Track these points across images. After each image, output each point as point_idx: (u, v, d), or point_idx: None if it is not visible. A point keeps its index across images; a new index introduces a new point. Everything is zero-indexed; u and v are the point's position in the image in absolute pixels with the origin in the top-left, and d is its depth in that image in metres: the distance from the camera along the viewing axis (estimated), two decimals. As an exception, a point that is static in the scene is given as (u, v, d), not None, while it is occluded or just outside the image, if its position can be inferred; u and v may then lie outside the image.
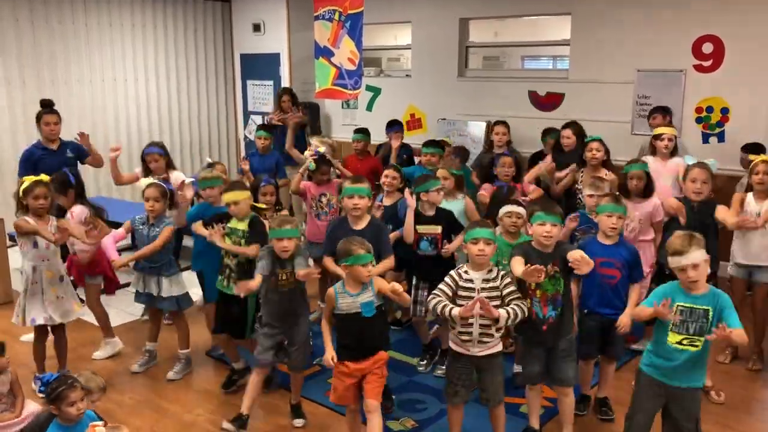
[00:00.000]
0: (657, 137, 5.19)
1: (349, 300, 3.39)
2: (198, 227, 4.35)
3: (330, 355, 3.42)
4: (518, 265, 3.36)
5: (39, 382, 3.04)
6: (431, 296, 3.45)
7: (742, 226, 4.23)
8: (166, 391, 4.42)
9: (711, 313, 3.03)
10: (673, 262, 3.05)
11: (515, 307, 3.32)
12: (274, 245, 3.71)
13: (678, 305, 3.08)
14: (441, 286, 3.45)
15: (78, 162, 5.77)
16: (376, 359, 3.45)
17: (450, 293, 3.40)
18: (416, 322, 4.61)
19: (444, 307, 3.34)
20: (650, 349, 3.22)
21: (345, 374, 3.45)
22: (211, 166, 5.27)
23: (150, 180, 4.67)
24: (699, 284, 3.05)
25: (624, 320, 3.63)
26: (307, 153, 5.41)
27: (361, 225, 4.09)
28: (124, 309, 5.61)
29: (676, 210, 4.31)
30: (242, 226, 4.15)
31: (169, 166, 5.36)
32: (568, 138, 5.74)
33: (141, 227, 4.47)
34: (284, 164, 6.42)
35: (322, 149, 5.32)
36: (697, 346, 3.06)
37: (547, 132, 6.40)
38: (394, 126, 6.82)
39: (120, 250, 6.43)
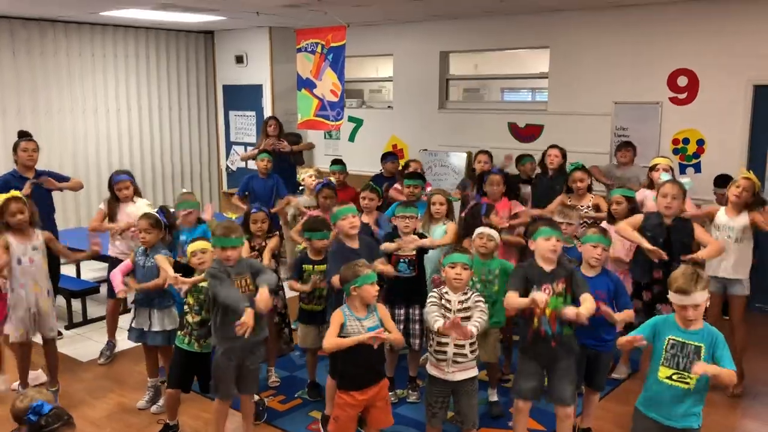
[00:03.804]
0: (652, 168, 5.27)
1: (356, 324, 3.38)
2: (163, 261, 4.18)
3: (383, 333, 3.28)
4: (514, 299, 3.43)
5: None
6: (429, 306, 3.57)
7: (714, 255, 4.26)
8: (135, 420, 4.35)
9: (703, 351, 2.94)
10: (675, 299, 2.98)
11: (478, 319, 3.48)
12: (218, 255, 3.67)
13: (670, 338, 3.02)
14: (431, 301, 3.59)
15: (53, 191, 5.74)
16: (381, 386, 3.44)
17: (440, 308, 3.56)
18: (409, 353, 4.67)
19: (435, 318, 3.47)
20: (645, 385, 3.16)
21: (350, 405, 3.42)
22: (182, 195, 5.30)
23: (144, 210, 4.68)
24: (697, 323, 3.00)
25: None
26: (309, 181, 5.83)
27: (356, 244, 4.17)
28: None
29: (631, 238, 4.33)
30: (206, 283, 3.88)
31: (136, 193, 5.32)
32: (556, 157, 5.97)
33: (139, 258, 4.41)
34: (285, 185, 6.47)
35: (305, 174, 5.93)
36: (688, 383, 2.97)
37: (522, 158, 6.57)
38: (389, 157, 6.88)
39: (100, 282, 6.41)
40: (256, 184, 6.51)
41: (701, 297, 2.95)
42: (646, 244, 4.20)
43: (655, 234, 4.26)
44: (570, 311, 3.33)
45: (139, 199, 5.33)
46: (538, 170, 6.32)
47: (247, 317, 3.47)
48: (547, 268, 3.52)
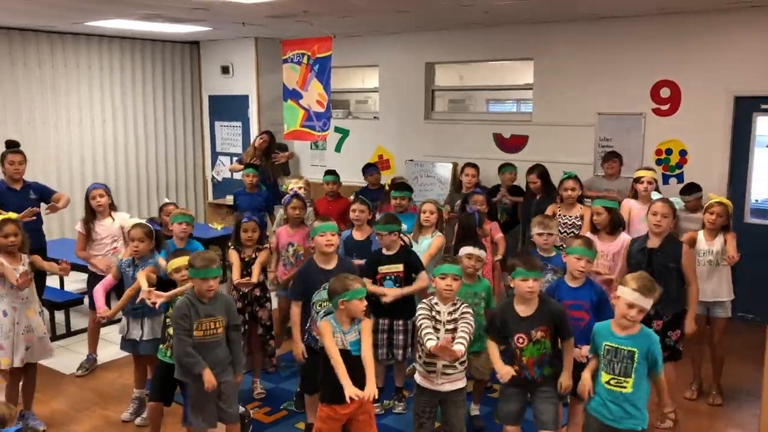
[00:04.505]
0: (636, 180, 5.32)
1: (340, 337, 3.35)
2: (141, 276, 4.10)
3: (361, 392, 3.22)
4: (493, 352, 3.50)
5: None
6: (421, 324, 3.53)
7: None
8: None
9: (637, 355, 3.05)
10: (632, 297, 3.06)
11: (463, 334, 3.44)
12: (198, 287, 3.53)
13: (605, 345, 3.14)
14: (422, 317, 3.55)
15: (41, 203, 5.68)
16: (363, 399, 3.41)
17: (431, 322, 3.53)
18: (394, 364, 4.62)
19: (427, 336, 3.43)
20: (593, 389, 3.26)
21: (332, 418, 3.39)
22: (163, 206, 5.28)
23: (136, 220, 4.63)
24: (633, 324, 3.10)
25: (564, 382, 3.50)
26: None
27: (331, 265, 4.04)
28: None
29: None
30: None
31: (112, 207, 5.24)
32: (534, 183, 6.01)
33: (127, 269, 4.35)
34: (273, 201, 6.44)
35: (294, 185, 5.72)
36: (624, 387, 3.09)
37: (503, 167, 6.67)
38: (369, 169, 6.89)
39: (83, 293, 6.35)
40: (242, 200, 6.45)
41: (650, 304, 3.08)
42: None
43: (637, 260, 4.26)
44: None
45: (117, 213, 5.26)
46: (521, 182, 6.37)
47: (207, 381, 3.46)
48: (525, 312, 3.45)
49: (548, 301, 3.52)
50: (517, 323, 3.45)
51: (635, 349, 3.07)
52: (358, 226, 4.91)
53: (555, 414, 3.54)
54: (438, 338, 3.48)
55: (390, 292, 4.24)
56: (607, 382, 3.14)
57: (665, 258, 4.20)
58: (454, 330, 3.51)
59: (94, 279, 5.14)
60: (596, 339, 3.23)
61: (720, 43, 6.19)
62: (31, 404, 4.40)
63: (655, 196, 4.76)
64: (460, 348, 3.37)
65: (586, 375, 3.27)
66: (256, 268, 4.55)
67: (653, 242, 4.27)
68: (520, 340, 3.43)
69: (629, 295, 3.06)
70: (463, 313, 3.54)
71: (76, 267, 6.26)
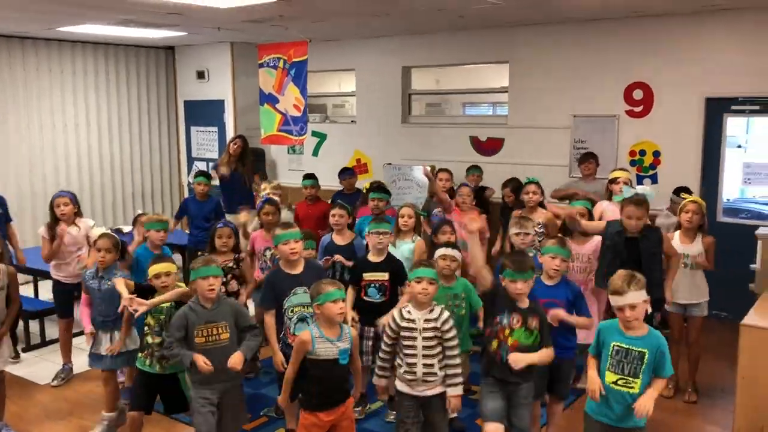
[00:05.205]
0: (612, 181, 5.37)
1: (328, 345, 3.32)
2: (119, 284, 3.93)
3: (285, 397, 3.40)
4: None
5: None
6: (379, 360, 3.59)
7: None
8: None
9: (647, 356, 3.04)
10: (613, 300, 3.10)
11: (455, 373, 3.46)
12: (200, 288, 3.48)
13: (614, 344, 3.10)
14: (384, 347, 3.55)
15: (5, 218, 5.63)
16: (347, 405, 3.41)
17: (391, 347, 3.54)
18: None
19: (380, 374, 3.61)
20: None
21: (316, 426, 3.35)
22: (137, 217, 5.21)
23: (102, 230, 4.55)
24: (636, 324, 3.08)
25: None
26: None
27: (298, 269, 4.03)
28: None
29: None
30: (168, 303, 3.82)
31: (78, 214, 5.15)
32: (509, 197, 6.16)
33: (91, 281, 4.25)
34: (223, 210, 6.39)
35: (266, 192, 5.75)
36: (632, 387, 3.06)
37: (469, 168, 6.85)
38: (345, 173, 6.90)
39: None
40: (192, 208, 6.36)
41: (635, 297, 3.04)
42: None
43: (614, 242, 4.28)
44: (515, 357, 3.35)
45: (81, 220, 5.16)
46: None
47: (200, 364, 3.41)
48: (521, 305, 3.45)
49: (538, 304, 3.55)
50: (509, 305, 3.43)
51: (646, 350, 3.04)
52: (338, 230, 4.90)
53: (530, 419, 3.58)
54: (415, 346, 3.44)
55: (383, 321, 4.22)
56: (614, 383, 3.09)
57: (650, 244, 4.23)
58: (433, 338, 3.43)
59: (58, 286, 5.13)
60: (602, 337, 3.18)
61: (691, 45, 6.29)
62: (3, 414, 4.32)
63: (627, 192, 4.71)
64: (455, 392, 3.45)
65: (592, 374, 3.19)
66: (248, 273, 4.59)
67: (633, 233, 4.28)
68: (515, 320, 3.40)
69: (614, 302, 3.08)
70: (448, 328, 3.45)
71: (42, 274, 6.20)
